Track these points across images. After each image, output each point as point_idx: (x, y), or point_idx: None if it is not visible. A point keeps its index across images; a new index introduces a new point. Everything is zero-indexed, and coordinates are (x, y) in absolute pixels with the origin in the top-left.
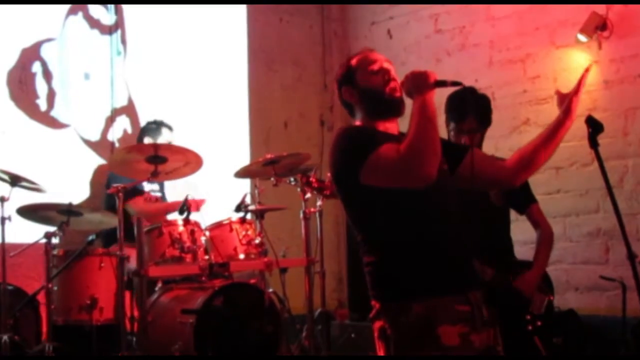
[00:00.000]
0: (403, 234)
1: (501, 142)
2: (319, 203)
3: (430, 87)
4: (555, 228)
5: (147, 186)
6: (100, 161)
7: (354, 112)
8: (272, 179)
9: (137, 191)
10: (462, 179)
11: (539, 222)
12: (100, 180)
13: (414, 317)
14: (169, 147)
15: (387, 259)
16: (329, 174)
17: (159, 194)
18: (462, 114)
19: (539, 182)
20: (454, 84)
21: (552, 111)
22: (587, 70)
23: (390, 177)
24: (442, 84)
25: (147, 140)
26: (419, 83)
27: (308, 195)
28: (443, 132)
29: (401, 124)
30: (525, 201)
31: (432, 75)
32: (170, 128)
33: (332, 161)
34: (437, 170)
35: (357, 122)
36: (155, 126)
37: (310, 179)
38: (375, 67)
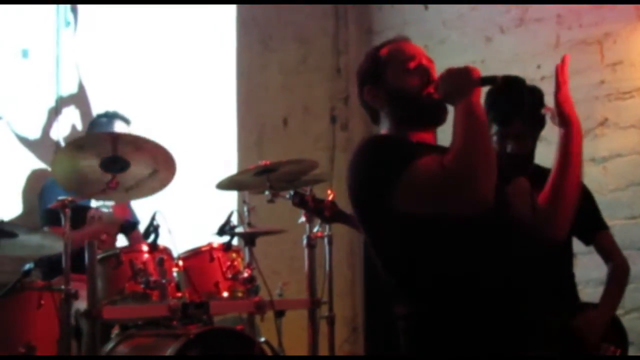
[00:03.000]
0: (454, 279)
1: None
2: (315, 229)
3: (475, 84)
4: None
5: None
6: (41, 165)
7: (377, 118)
8: (266, 192)
9: (81, 208)
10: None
11: (610, 255)
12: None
13: None
14: (133, 139)
15: (433, 311)
16: (330, 191)
17: (111, 210)
18: (507, 115)
19: (620, 203)
20: (507, 80)
21: (638, 108)
22: (562, 62)
23: (433, 198)
24: (490, 81)
25: None
26: (460, 82)
27: (302, 219)
28: None
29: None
30: (592, 228)
31: (475, 71)
32: (126, 121)
33: (352, 180)
34: (492, 191)
35: (383, 131)
36: (107, 119)
37: (305, 197)
38: (412, 64)
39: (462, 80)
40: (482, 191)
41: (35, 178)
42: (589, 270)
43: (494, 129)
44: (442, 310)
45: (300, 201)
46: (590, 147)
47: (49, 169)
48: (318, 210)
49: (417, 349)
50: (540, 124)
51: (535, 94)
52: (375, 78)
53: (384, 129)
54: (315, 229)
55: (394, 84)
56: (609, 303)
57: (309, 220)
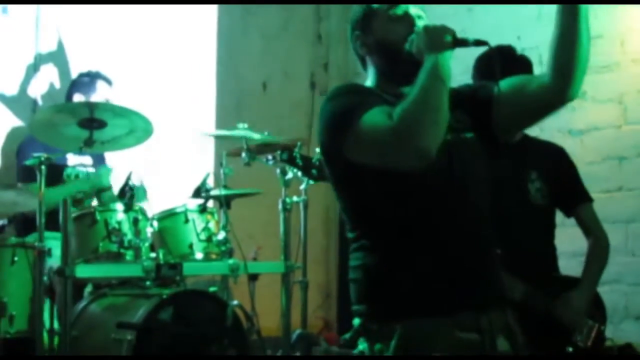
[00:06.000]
0: (398, 230)
1: (548, 120)
2: (302, 187)
3: (448, 46)
4: (613, 237)
5: (73, 158)
6: (18, 123)
7: (365, 67)
8: (243, 155)
9: (57, 166)
10: (501, 126)
11: (590, 228)
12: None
13: (397, 345)
14: (110, 107)
15: (375, 262)
16: (317, 149)
17: (91, 169)
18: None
19: (595, 176)
20: (478, 43)
21: (616, 83)
22: None
23: (376, 151)
24: (462, 42)
25: (78, 97)
26: (434, 40)
27: (289, 175)
28: None
29: None
30: (574, 199)
31: (451, 32)
32: (108, 82)
33: (319, 128)
34: (436, 147)
35: (367, 82)
36: (89, 79)
37: (294, 154)
38: (399, 11)
39: (436, 38)
40: (424, 145)
41: (12, 135)
42: (561, 243)
43: None
44: (382, 262)
45: (289, 158)
46: (567, 120)
47: (26, 125)
48: (306, 167)
49: (357, 299)
50: None
51: (524, 63)
52: (364, 25)
53: (368, 78)
54: (302, 187)
55: (379, 33)
56: (590, 281)
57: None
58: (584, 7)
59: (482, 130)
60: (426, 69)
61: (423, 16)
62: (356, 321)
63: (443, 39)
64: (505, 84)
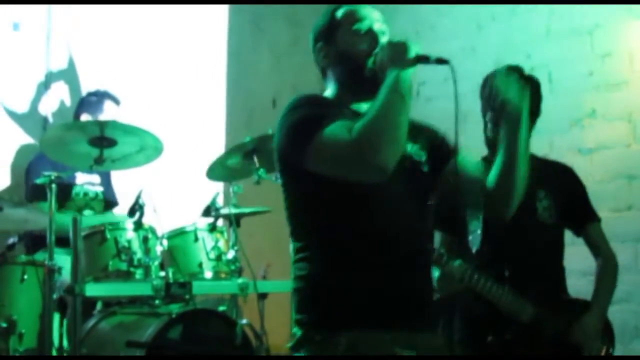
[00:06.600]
0: (344, 245)
1: (558, 139)
2: None
3: (409, 62)
4: (623, 256)
5: (81, 177)
6: (28, 140)
7: (326, 77)
8: (253, 175)
9: (66, 185)
10: (443, 185)
11: (599, 248)
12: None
13: (341, 354)
14: (121, 126)
15: (320, 273)
16: None
17: (99, 188)
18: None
19: (605, 196)
20: (439, 61)
21: (626, 101)
22: None
23: (335, 164)
24: (424, 59)
25: (85, 117)
26: (396, 55)
27: None
28: (477, 121)
29: None
30: (582, 218)
31: (412, 47)
32: (116, 101)
33: (277, 138)
34: (393, 163)
35: (327, 93)
36: (96, 99)
37: None
38: (363, 27)
39: (398, 54)
40: (382, 161)
41: (22, 152)
42: (571, 262)
43: (489, 115)
44: (325, 274)
45: None
46: (577, 138)
47: (37, 143)
48: None
49: (299, 308)
50: (535, 113)
51: (533, 82)
52: (327, 36)
53: (327, 89)
54: None
55: (342, 46)
56: (601, 303)
57: None
58: (523, 149)
59: (434, 171)
60: (387, 85)
61: (387, 32)
62: (297, 331)
63: (405, 55)
64: (463, 163)
